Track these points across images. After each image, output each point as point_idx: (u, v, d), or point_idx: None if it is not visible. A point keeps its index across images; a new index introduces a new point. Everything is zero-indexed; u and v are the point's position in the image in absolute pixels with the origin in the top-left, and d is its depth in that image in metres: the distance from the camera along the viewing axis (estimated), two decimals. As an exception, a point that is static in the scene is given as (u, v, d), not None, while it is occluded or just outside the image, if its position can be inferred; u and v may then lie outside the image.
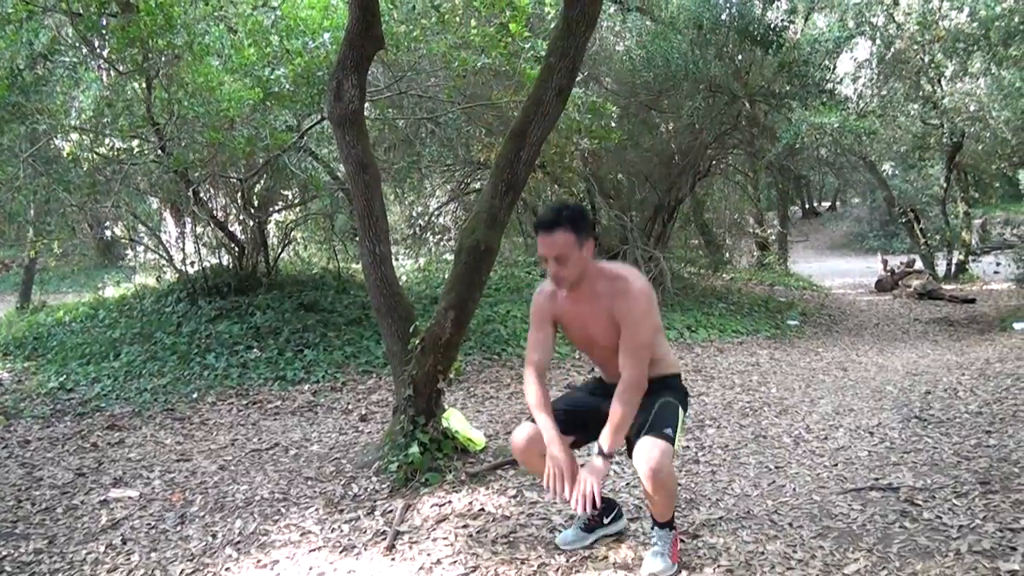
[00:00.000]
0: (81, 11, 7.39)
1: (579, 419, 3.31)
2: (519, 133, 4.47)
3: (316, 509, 4.33)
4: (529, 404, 3.31)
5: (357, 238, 8.90)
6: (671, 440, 3.03)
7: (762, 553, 3.36)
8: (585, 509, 2.98)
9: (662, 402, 3.14)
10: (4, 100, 6.90)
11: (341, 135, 4.82)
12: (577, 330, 3.31)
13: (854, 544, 3.42)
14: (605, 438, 3.05)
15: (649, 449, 2.97)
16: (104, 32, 7.38)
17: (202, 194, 9.23)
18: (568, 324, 3.31)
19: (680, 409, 3.18)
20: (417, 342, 4.73)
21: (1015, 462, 4.33)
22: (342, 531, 3.98)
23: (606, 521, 3.54)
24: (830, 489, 4.17)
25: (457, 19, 8.00)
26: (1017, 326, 10.34)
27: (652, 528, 3.26)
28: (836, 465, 4.61)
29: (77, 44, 7.96)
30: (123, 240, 12.07)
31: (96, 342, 8.60)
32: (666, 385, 3.24)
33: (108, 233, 12.97)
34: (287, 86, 7.45)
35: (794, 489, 4.20)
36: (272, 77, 7.39)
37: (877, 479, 4.27)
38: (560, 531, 3.62)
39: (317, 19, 7.59)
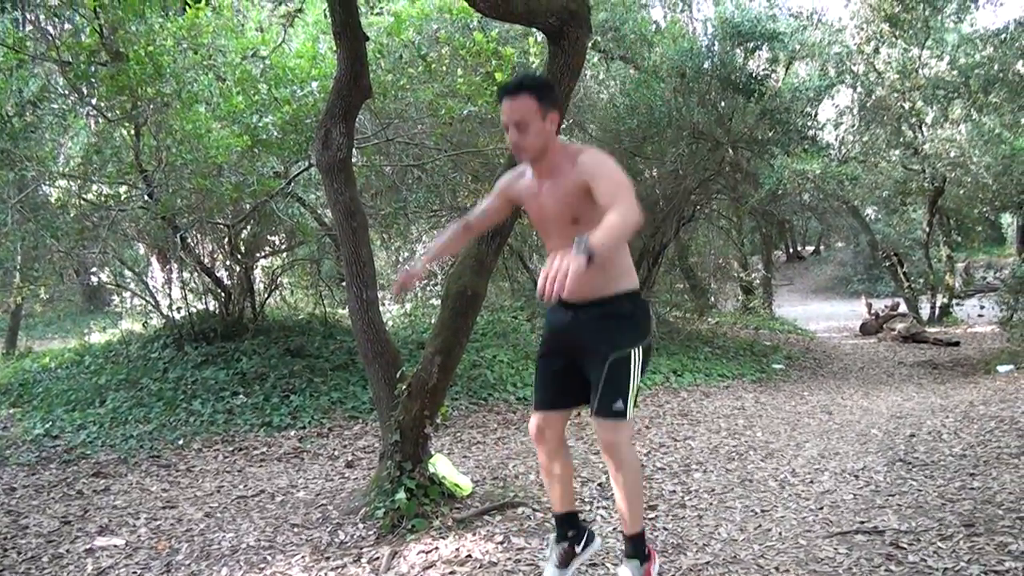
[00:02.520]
0: (71, 60, 7.50)
1: (560, 382, 3.31)
2: (504, 182, 4.53)
3: (303, 557, 4.30)
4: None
5: (344, 283, 8.95)
6: (623, 414, 3.05)
7: (749, 598, 3.37)
8: (550, 294, 2.53)
9: (613, 360, 3.07)
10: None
11: (329, 182, 4.88)
12: (535, 206, 3.23)
13: (840, 588, 3.43)
14: (592, 239, 2.61)
15: (603, 433, 3.10)
16: (94, 80, 7.44)
17: (189, 240, 9.26)
18: (528, 201, 3.26)
19: (635, 357, 3.11)
20: (404, 387, 4.76)
21: (999, 504, 4.34)
22: (329, 579, 3.96)
23: (578, 550, 3.47)
24: (816, 533, 4.18)
25: (444, 68, 8.13)
26: (1001, 369, 10.41)
27: (622, 561, 3.30)
28: (822, 508, 4.62)
29: (66, 92, 8.03)
30: (109, 286, 12.06)
31: (82, 388, 8.55)
32: (623, 314, 3.15)
33: (94, 279, 12.98)
34: (275, 133, 7.54)
35: (780, 533, 4.21)
36: (260, 124, 7.48)
37: (863, 522, 4.28)
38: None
39: (305, 68, 7.70)
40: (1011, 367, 10.37)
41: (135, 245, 10.56)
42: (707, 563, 3.81)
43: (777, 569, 3.68)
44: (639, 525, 3.25)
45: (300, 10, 8.74)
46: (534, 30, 8.36)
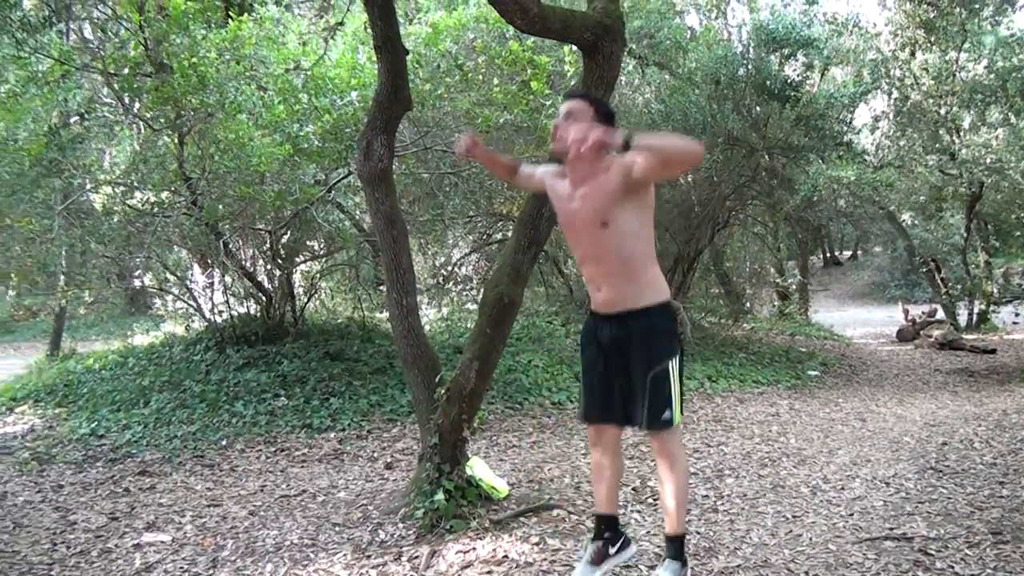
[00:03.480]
0: (115, 72, 7.73)
1: (613, 393, 3.41)
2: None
3: (344, 555, 4.44)
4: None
5: (381, 287, 9.07)
6: (671, 423, 3.20)
7: (778, 600, 3.46)
8: (578, 147, 2.97)
9: (654, 375, 3.21)
10: (42, 156, 7.19)
11: (371, 192, 5.03)
12: (566, 211, 3.37)
13: (869, 592, 3.51)
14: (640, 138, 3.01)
15: (655, 442, 3.30)
16: (139, 91, 7.65)
17: (231, 245, 9.46)
18: (558, 203, 3.41)
19: (673, 367, 3.25)
20: (443, 392, 4.88)
21: (1028, 513, 4.41)
22: (370, 576, 4.10)
23: (612, 551, 3.56)
24: (846, 539, 4.26)
25: (480, 77, 8.26)
26: (1037, 377, 10.38)
27: (663, 561, 3.40)
28: (852, 515, 4.70)
29: (112, 102, 8.26)
30: (151, 289, 12.32)
31: (126, 389, 8.75)
32: (655, 328, 3.27)
33: (137, 283, 13.25)
34: (315, 142, 7.70)
35: (811, 539, 4.29)
36: (301, 134, 7.65)
37: (892, 529, 4.36)
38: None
39: (345, 78, 7.87)
40: (1048, 375, 10.34)
41: (177, 250, 10.78)
42: (738, 566, 3.90)
43: (807, 573, 3.77)
44: (683, 526, 3.36)
45: (341, 23, 8.93)
46: (569, 39, 8.50)
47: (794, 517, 4.72)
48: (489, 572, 3.98)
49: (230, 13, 7.91)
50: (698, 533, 4.47)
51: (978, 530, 4.20)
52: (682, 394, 3.29)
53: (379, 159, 4.94)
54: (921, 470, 5.63)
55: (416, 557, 4.28)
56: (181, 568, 4.48)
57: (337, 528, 4.99)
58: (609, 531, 3.56)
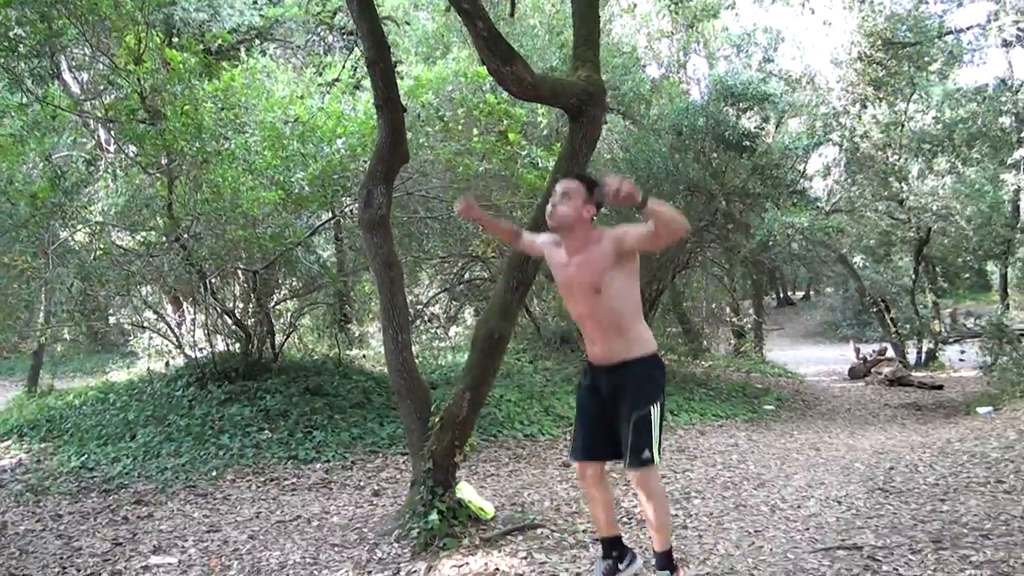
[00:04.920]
0: (113, 119, 8.13)
1: (601, 433, 3.86)
2: (528, 237, 5.16)
3: (346, 571, 4.81)
4: None
5: (350, 326, 9.46)
6: (650, 461, 3.63)
7: (744, 599, 3.94)
8: (619, 195, 3.34)
9: (637, 419, 3.64)
10: (47, 199, 7.55)
11: (370, 237, 5.49)
12: (564, 276, 3.83)
13: (823, 592, 4.01)
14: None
15: (635, 478, 3.70)
16: (141, 138, 8.02)
17: (213, 284, 9.78)
18: (556, 270, 3.90)
19: (654, 412, 3.67)
20: (436, 420, 5.32)
21: (964, 524, 4.95)
22: (372, 589, 4.50)
23: (622, 566, 4.00)
24: (803, 549, 4.76)
25: (460, 128, 8.77)
26: (981, 410, 10.97)
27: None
28: (808, 529, 5.22)
29: (111, 149, 8.64)
30: (128, 326, 12.52)
31: (111, 424, 8.93)
32: (640, 377, 3.70)
33: (115, 319, 13.43)
34: (305, 188, 8.13)
35: (771, 549, 4.79)
36: (293, 180, 8.07)
37: (844, 540, 4.87)
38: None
39: (331, 127, 8.33)
40: (990, 409, 10.92)
41: (151, 288, 10.98)
42: (707, 574, 4.38)
43: (768, 578, 4.25)
44: (668, 543, 3.85)
45: (338, 79, 9.42)
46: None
47: (756, 532, 5.22)
48: (483, 583, 4.40)
49: (224, 65, 8.33)
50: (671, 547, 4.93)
51: (920, 539, 4.72)
52: (661, 440, 3.74)
53: (378, 207, 5.41)
54: (870, 490, 6.17)
55: (414, 572, 4.68)
56: (192, 586, 4.81)
57: (336, 548, 5.34)
58: (616, 549, 4.02)
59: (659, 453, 3.68)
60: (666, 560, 3.84)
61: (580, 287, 3.73)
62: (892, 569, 4.25)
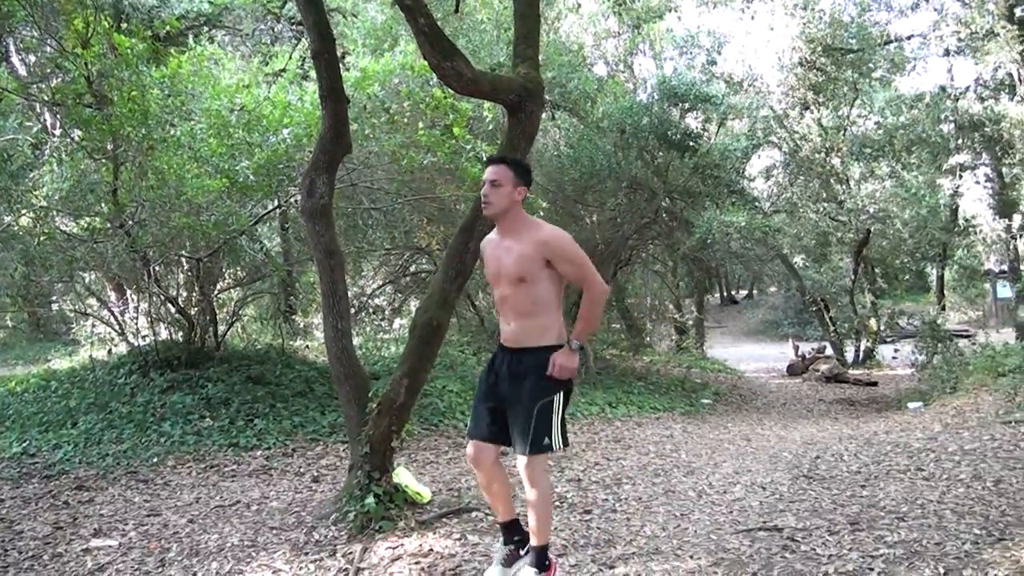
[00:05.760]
0: (60, 103, 8.10)
1: (492, 418, 3.92)
2: (467, 228, 5.32)
3: (283, 552, 4.91)
4: None
5: (294, 316, 9.51)
6: (550, 448, 3.74)
7: (665, 576, 4.12)
8: (563, 372, 3.73)
9: (540, 407, 3.72)
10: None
11: (312, 226, 5.58)
12: (492, 262, 3.92)
13: (742, 569, 4.21)
14: (575, 335, 3.85)
15: (526, 465, 3.73)
16: (88, 122, 7.98)
17: (156, 271, 9.75)
18: (487, 257, 3.99)
19: (557, 400, 3.77)
20: (374, 405, 5.44)
21: (882, 508, 5.21)
22: (309, 569, 4.59)
23: (523, 553, 4.05)
24: (725, 531, 4.97)
25: (405, 121, 8.87)
26: (911, 406, 11.38)
27: (524, 554, 3.99)
28: (732, 512, 5.44)
29: (53, 131, 8.60)
30: (73, 314, 12.42)
31: (52, 411, 8.89)
32: (544, 366, 3.75)
33: (57, 307, 13.29)
34: (250, 176, 8.17)
35: (696, 531, 5.00)
36: (237, 168, 8.11)
37: (765, 522, 5.10)
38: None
39: (278, 117, 8.37)
40: (920, 404, 11.35)
41: (93, 275, 10.90)
42: (633, 554, 4.56)
43: (691, 557, 4.45)
44: (546, 539, 3.90)
45: (284, 70, 9.46)
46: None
47: (682, 515, 5.43)
48: (416, 563, 4.53)
49: (171, 51, 8.33)
50: (599, 529, 5.12)
51: (839, 522, 4.96)
52: (563, 425, 3.84)
53: (320, 196, 5.51)
54: (794, 477, 6.42)
55: (350, 553, 4.79)
56: (132, 568, 4.85)
57: (274, 531, 5.44)
58: (517, 535, 4.08)
59: (559, 440, 3.77)
60: (540, 557, 3.87)
61: (507, 274, 3.83)
62: (810, 549, 4.47)
